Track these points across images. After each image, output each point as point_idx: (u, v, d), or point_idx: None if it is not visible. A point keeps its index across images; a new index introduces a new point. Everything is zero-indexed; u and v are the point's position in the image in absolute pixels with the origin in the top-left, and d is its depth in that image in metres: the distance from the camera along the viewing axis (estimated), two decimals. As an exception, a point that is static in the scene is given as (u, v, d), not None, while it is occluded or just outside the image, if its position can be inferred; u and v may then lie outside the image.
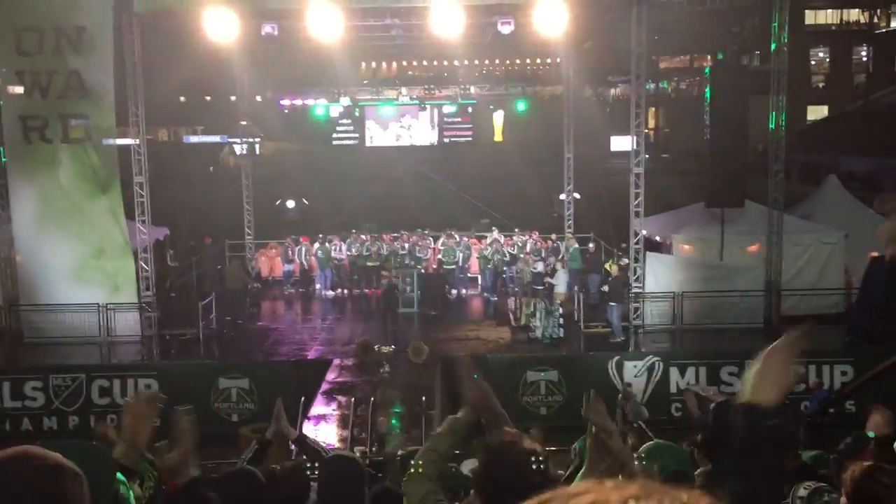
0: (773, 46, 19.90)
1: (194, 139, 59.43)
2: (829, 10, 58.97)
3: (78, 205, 19.76)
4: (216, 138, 56.72)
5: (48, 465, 1.51)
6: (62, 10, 19.06)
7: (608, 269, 21.84)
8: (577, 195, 27.48)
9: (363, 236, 25.87)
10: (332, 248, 25.48)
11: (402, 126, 45.17)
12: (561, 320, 19.95)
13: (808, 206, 23.66)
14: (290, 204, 36.19)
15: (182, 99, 54.86)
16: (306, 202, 37.11)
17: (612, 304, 20.16)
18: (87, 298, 19.91)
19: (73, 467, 1.54)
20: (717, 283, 20.47)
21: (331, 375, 17.63)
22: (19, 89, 19.50)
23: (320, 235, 26.00)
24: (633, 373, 17.07)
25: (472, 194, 33.57)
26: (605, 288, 21.82)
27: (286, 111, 42.91)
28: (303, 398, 14.78)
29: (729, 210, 20.88)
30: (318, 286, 25.65)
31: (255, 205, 28.05)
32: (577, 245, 24.87)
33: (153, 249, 21.00)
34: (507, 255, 24.61)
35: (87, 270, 19.97)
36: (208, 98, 55.45)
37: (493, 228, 26.83)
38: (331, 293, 25.46)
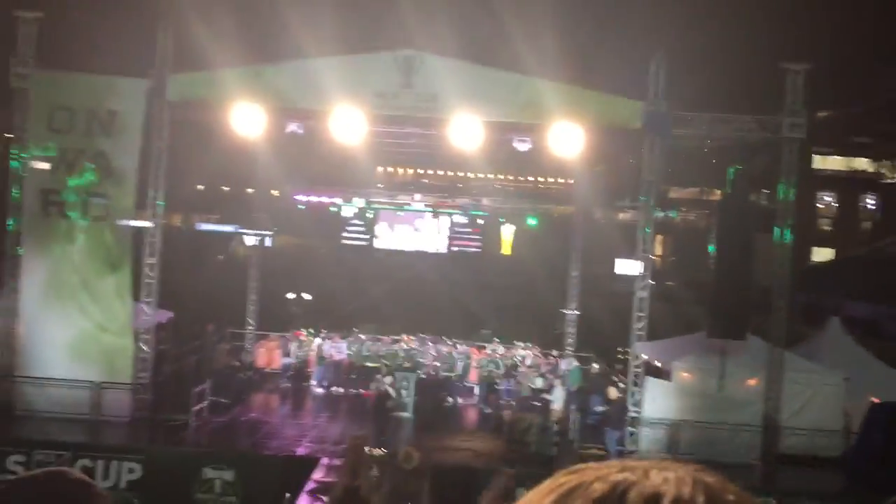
0: (780, 188, 20.38)
1: (208, 227, 60.25)
2: (838, 157, 60.51)
3: (87, 280, 19.94)
4: (229, 228, 57.44)
5: (82, 482, 1.66)
6: (99, 93, 19.78)
7: (608, 393, 21.70)
8: (572, 312, 27.59)
9: (363, 336, 25.89)
10: (332, 346, 25.48)
11: (413, 230, 45.86)
12: (556, 438, 19.69)
13: (810, 347, 23.65)
14: (297, 297, 36.38)
15: (200, 187, 55.96)
16: (307, 297, 37.25)
17: (611, 428, 19.96)
18: (82, 375, 19.81)
19: (103, 490, 1.70)
20: (715, 414, 20.28)
21: (318, 474, 17.32)
22: (45, 165, 19.99)
23: (322, 332, 26.05)
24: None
25: (476, 303, 33.70)
26: (604, 409, 21.62)
27: (301, 207, 43.65)
28: (287, 495, 14.48)
29: (730, 342, 20.89)
30: (313, 382, 25.52)
31: (261, 296, 28.24)
32: (577, 364, 24.82)
33: (154, 332, 21.01)
34: (502, 366, 24.56)
35: (87, 345, 19.94)
36: (226, 188, 56.54)
37: (494, 339, 26.86)
38: (320, 390, 25.31)
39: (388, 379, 21.91)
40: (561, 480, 0.97)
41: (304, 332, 26.16)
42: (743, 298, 20.78)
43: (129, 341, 20.10)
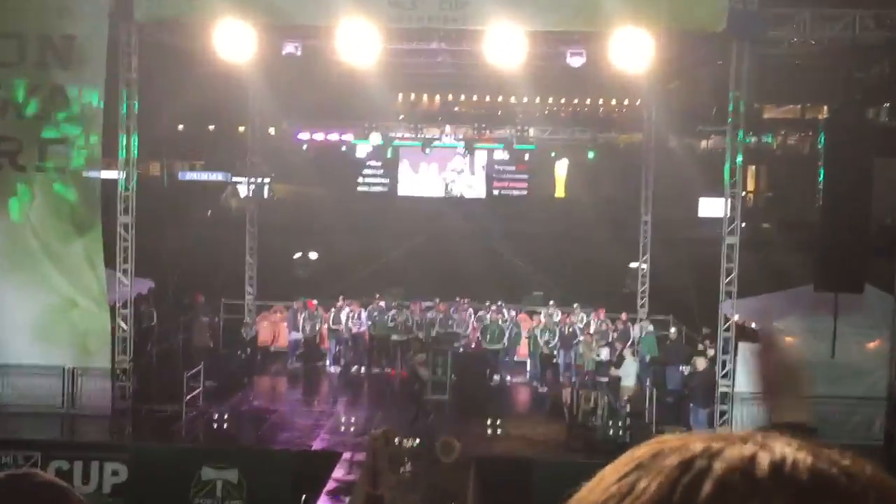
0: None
1: (192, 176, 60.69)
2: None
3: (49, 246, 20.14)
4: (218, 176, 57.87)
5: (53, 486, 1.69)
6: (50, 16, 19.68)
7: (692, 361, 21.71)
8: (645, 266, 27.48)
9: (387, 303, 26.08)
10: (350, 315, 25.71)
11: (444, 173, 45.81)
12: (628, 420, 19.81)
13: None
14: (303, 256, 36.70)
15: (180, 127, 56.21)
16: (314, 257, 37.53)
17: (696, 406, 20.01)
18: (50, 360, 20.19)
19: (78, 495, 1.73)
20: (826, 387, 20.14)
21: (339, 472, 17.64)
22: (-10, 106, 20.10)
23: (337, 300, 26.27)
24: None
25: (525, 259, 33.73)
26: (686, 383, 21.67)
27: (304, 147, 43.73)
28: (303, 497, 14.78)
29: (844, 296, 20.69)
30: (328, 361, 25.87)
31: (260, 257, 28.49)
32: (651, 329, 24.83)
33: (134, 305, 21.29)
34: (559, 335, 24.63)
35: (54, 324, 20.24)
36: (212, 128, 56.77)
37: (550, 302, 26.91)
38: (337, 370, 25.65)
39: (420, 355, 22.14)
40: (639, 451, 1.05)
41: (314, 300, 26.42)
42: (859, 241, 20.52)
43: (104, 318, 20.37)
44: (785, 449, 1.00)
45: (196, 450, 17.98)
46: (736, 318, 20.82)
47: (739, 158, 20.38)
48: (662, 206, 28.95)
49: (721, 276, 20.35)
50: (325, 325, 25.93)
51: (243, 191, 28.65)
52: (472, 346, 25.34)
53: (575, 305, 26.62)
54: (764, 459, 0.98)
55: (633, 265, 29.59)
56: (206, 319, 25.62)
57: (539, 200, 47.90)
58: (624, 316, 25.77)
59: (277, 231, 35.33)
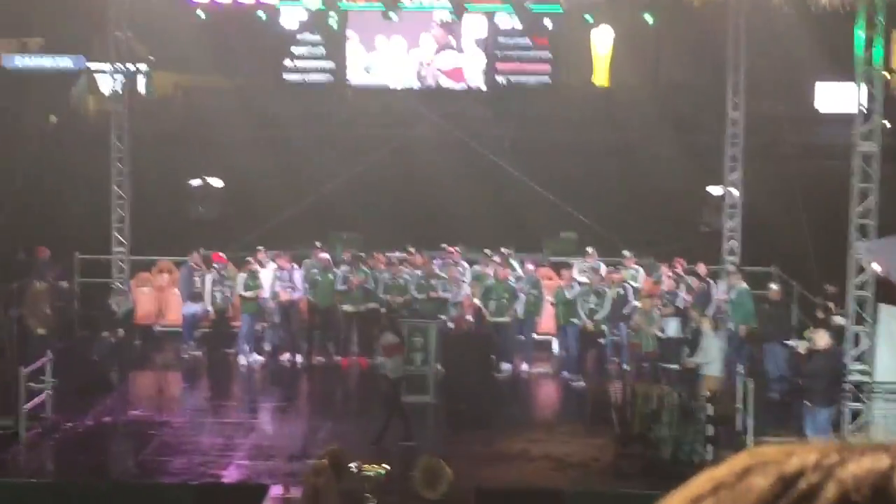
0: None
1: (24, 62, 60.21)
2: None
3: None
4: (66, 62, 57.37)
5: None
6: None
7: (807, 337, 21.79)
8: (734, 191, 27.49)
9: (334, 257, 26.01)
10: (278, 276, 25.69)
11: (416, 50, 45.55)
12: (711, 429, 19.89)
13: None
14: (202, 185, 36.52)
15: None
16: (218, 185, 37.35)
17: (814, 405, 20.12)
18: None
19: None
20: None
21: (265, 517, 17.72)
22: None
23: (256, 251, 26.21)
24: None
25: (547, 184, 33.64)
26: (801, 371, 21.76)
27: (201, 15, 43.35)
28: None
29: None
30: (243, 346, 25.83)
31: (136, 190, 28.32)
32: (745, 287, 24.85)
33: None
34: (604, 299, 24.68)
35: None
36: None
37: (588, 250, 26.91)
38: (258, 358, 25.72)
39: (388, 336, 22.07)
40: (721, 469, 1.14)
41: (219, 253, 26.34)
42: None
43: None
44: None
45: (44, 486, 17.97)
46: (876, 267, 20.83)
47: (881, 19, 20.30)
48: (760, 97, 28.90)
49: (851, 202, 20.33)
50: (237, 293, 25.86)
51: (105, 85, 28.32)
52: (469, 319, 25.35)
53: (625, 254, 26.60)
54: None
55: (715, 190, 29.59)
56: (44, 285, 25.44)
57: (568, 91, 47.75)
58: (702, 269, 25.77)
59: (160, 147, 35.23)
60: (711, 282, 25.53)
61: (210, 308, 25.74)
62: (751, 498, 1.05)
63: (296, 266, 25.94)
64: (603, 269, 26.06)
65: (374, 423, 21.27)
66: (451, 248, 26.88)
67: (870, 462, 1.05)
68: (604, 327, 24.87)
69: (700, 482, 1.12)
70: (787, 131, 36.15)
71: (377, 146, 43.23)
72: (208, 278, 25.81)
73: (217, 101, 50.06)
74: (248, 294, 25.64)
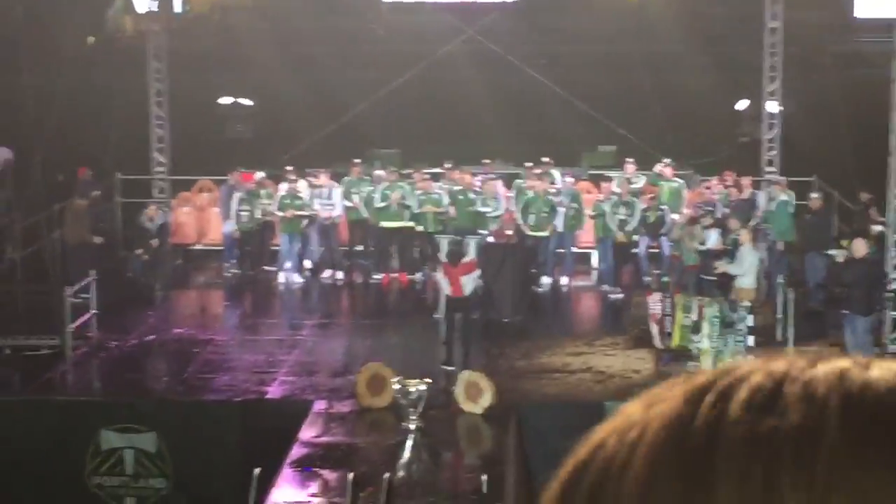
0: None
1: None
2: None
3: None
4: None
5: None
6: None
7: (845, 245, 21.67)
8: (774, 102, 27.25)
9: (376, 173, 25.95)
10: (314, 195, 25.63)
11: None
12: (751, 340, 19.85)
13: None
14: (235, 104, 36.38)
15: None
16: (249, 104, 37.23)
17: (853, 313, 20.03)
18: None
19: None
20: None
21: (309, 432, 17.77)
22: None
23: (288, 170, 26.13)
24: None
25: (584, 97, 33.40)
26: (840, 280, 21.65)
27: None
28: (256, 471, 14.93)
29: None
30: (287, 265, 25.86)
31: (174, 111, 28.28)
32: (786, 198, 24.67)
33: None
34: (642, 211, 24.57)
35: None
36: None
37: (627, 161, 26.76)
38: (298, 278, 25.81)
39: (456, 253, 21.87)
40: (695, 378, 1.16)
41: (256, 172, 26.32)
42: None
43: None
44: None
45: (91, 405, 18.11)
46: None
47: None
48: (797, 6, 28.49)
49: (891, 110, 20.13)
50: (277, 212, 25.81)
51: (142, 4, 28.13)
52: (508, 233, 25.34)
53: (665, 161, 26.40)
54: (820, 372, 1.09)
55: (754, 101, 29.33)
56: (85, 202, 25.48)
57: (602, 3, 47.22)
58: (746, 181, 25.57)
59: (197, 66, 35.04)
60: (753, 191, 25.39)
61: (236, 227, 25.76)
62: (675, 398, 1.09)
63: (336, 183, 25.88)
64: (641, 181, 25.94)
65: (415, 339, 21.36)
66: (489, 163, 26.83)
67: (791, 364, 1.09)
68: (635, 237, 24.82)
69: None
70: (826, 39, 35.72)
71: (412, 63, 43.03)
72: (235, 198, 25.78)
73: (252, 18, 49.72)
74: (284, 213, 25.60)
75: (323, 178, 25.90)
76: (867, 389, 1.07)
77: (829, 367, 1.09)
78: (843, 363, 1.10)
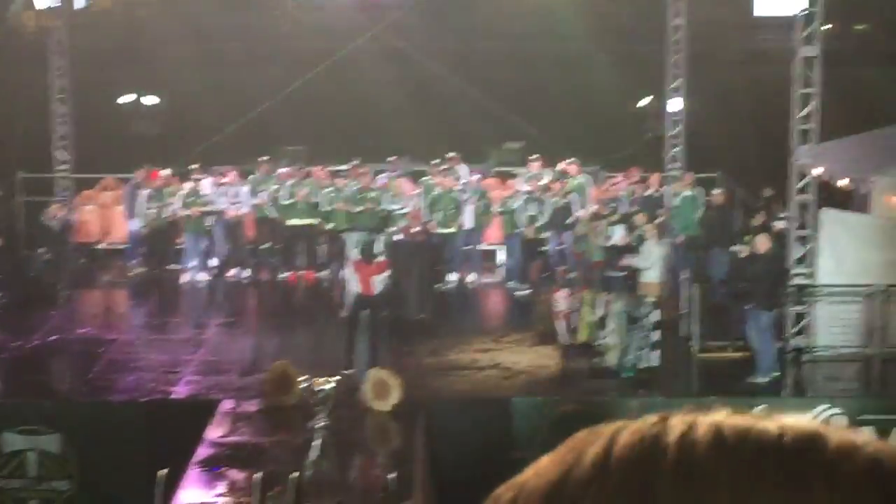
0: None
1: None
2: None
3: None
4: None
5: None
6: None
7: (748, 241, 21.90)
8: (677, 99, 27.47)
9: (282, 170, 25.87)
10: (220, 192, 25.51)
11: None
12: (656, 335, 19.99)
13: None
14: (136, 101, 36.15)
15: None
16: (154, 102, 36.99)
17: (756, 308, 20.24)
18: None
19: None
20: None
21: (215, 431, 17.68)
22: None
23: (193, 168, 25.97)
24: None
25: (491, 94, 33.50)
26: (743, 275, 21.84)
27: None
28: (163, 472, 14.84)
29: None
30: (192, 263, 25.72)
31: (77, 108, 28.00)
32: (691, 194, 24.88)
33: None
34: (549, 208, 24.68)
35: None
36: None
37: (528, 159, 26.85)
38: (204, 277, 25.69)
39: (370, 252, 21.74)
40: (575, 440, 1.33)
41: (162, 170, 26.14)
42: None
43: None
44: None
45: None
46: (818, 171, 20.91)
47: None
48: (700, 3, 28.78)
49: (792, 108, 20.35)
50: (181, 210, 25.63)
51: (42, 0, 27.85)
52: (417, 230, 25.38)
53: (569, 161, 26.55)
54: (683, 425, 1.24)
55: (658, 99, 29.59)
56: None
57: (509, 1, 47.40)
58: (654, 177, 25.76)
59: (102, 64, 34.77)
60: (657, 187, 25.59)
61: (142, 226, 25.61)
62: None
63: (240, 181, 25.78)
64: (546, 178, 26.02)
65: (322, 337, 21.34)
66: (395, 159, 26.82)
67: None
68: (545, 235, 24.93)
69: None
70: (729, 38, 36.20)
71: (319, 59, 42.93)
72: (143, 195, 25.64)
73: (155, 14, 49.42)
74: (187, 212, 25.46)
75: (230, 176, 25.78)
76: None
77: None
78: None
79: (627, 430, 1.24)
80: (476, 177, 26.19)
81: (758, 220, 23.04)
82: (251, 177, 25.92)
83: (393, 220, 25.06)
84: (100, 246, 27.27)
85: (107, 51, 36.97)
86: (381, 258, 21.35)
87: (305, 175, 25.83)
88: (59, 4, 28.16)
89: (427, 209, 25.19)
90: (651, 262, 22.20)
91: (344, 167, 26.43)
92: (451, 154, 26.47)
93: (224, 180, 25.75)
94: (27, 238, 26.65)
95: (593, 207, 24.58)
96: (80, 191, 27.92)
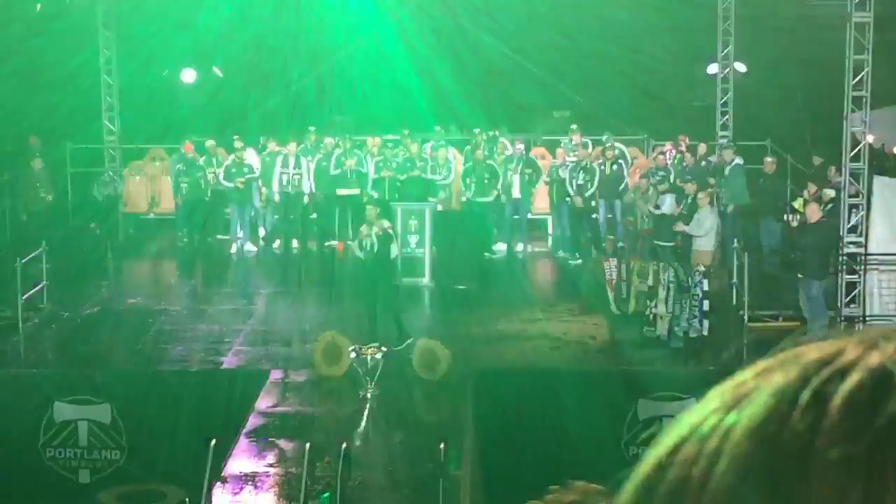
0: None
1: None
2: None
3: None
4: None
5: None
6: None
7: (798, 207, 21.77)
8: (741, 67, 27.28)
9: (329, 140, 25.89)
10: (283, 161, 25.48)
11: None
12: (706, 304, 19.92)
13: None
14: (189, 72, 36.14)
15: None
16: (219, 73, 36.99)
17: (807, 277, 20.14)
18: None
19: None
20: None
21: (265, 401, 17.78)
22: None
23: (236, 138, 25.96)
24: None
25: (538, 63, 33.34)
26: (794, 244, 21.73)
27: None
28: (212, 442, 14.90)
29: None
30: (239, 234, 25.79)
31: (124, 77, 28.07)
32: (740, 162, 24.73)
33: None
34: (597, 176, 24.57)
35: None
36: None
37: (573, 127, 26.76)
38: (252, 248, 25.86)
39: (382, 221, 21.74)
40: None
41: (210, 140, 26.20)
42: None
43: None
44: None
45: (43, 376, 18.01)
46: (870, 139, 20.75)
47: None
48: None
49: (846, 74, 20.15)
50: (223, 181, 25.68)
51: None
52: (463, 199, 25.40)
53: (607, 136, 26.45)
54: None
55: (708, 66, 29.40)
56: (40, 165, 25.29)
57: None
58: (702, 146, 25.63)
59: (150, 35, 34.72)
60: (707, 158, 25.48)
61: (175, 198, 25.73)
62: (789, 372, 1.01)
63: (292, 150, 25.72)
64: (593, 147, 25.95)
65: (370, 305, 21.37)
66: (440, 130, 26.82)
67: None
68: (594, 203, 24.86)
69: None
70: (780, 4, 35.77)
71: (362, 30, 42.91)
72: (176, 168, 25.75)
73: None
74: (231, 183, 25.51)
75: (290, 147, 25.71)
76: None
77: None
78: None
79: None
80: (520, 146, 26.09)
81: (809, 188, 22.87)
82: (300, 146, 25.91)
83: (434, 190, 25.08)
84: (149, 216, 27.37)
85: (155, 21, 36.97)
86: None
87: (355, 144, 25.83)
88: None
89: (461, 179, 25.24)
90: (704, 231, 22.16)
91: (392, 136, 26.44)
92: (490, 132, 26.39)
93: (284, 151, 25.73)
94: (76, 208, 26.83)
95: (642, 176, 24.48)
96: (128, 162, 28.01)
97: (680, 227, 22.40)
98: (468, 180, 25.07)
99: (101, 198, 25.28)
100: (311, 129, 26.48)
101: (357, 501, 14.48)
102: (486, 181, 24.91)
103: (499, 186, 25.04)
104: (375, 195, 24.72)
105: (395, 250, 20.97)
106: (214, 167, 25.80)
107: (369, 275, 20.55)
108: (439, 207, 24.72)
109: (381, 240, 20.22)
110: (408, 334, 19.35)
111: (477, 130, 26.45)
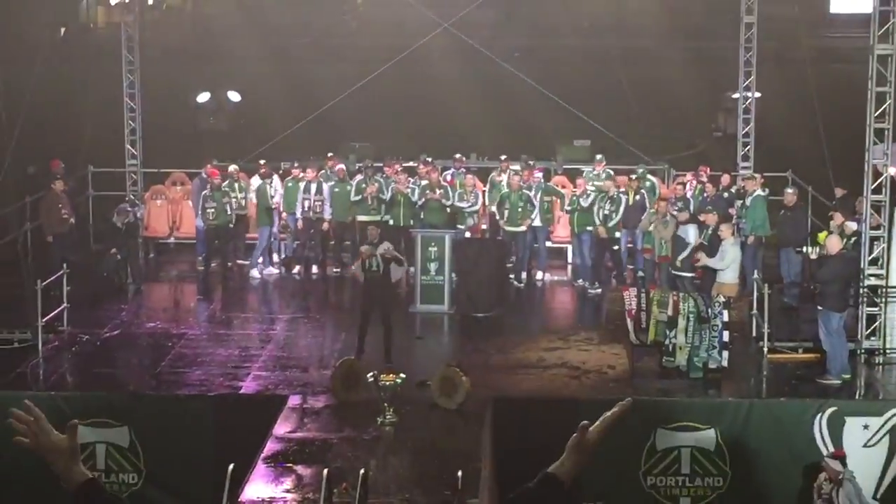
0: None
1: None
2: None
3: None
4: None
5: None
6: None
7: (821, 240, 21.74)
8: (749, 96, 27.29)
9: (350, 166, 25.92)
10: (304, 187, 25.55)
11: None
12: (726, 336, 19.87)
13: None
14: (211, 99, 36.32)
15: None
16: (235, 98, 37.19)
17: (827, 309, 20.09)
18: None
19: None
20: None
21: (283, 427, 17.78)
22: None
23: (262, 163, 26.08)
24: (861, 439, 17.15)
25: (560, 91, 33.42)
26: (814, 276, 21.67)
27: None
28: (230, 467, 14.92)
29: None
30: (260, 259, 25.89)
31: (148, 103, 28.19)
32: (763, 193, 24.72)
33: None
34: (621, 205, 24.56)
35: None
36: None
37: (597, 157, 26.80)
38: (273, 271, 25.89)
39: (384, 243, 21.74)
40: None
41: (233, 166, 26.32)
42: None
43: None
44: None
45: (62, 399, 18.04)
46: (892, 171, 20.73)
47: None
48: (773, 1, 28.59)
49: (868, 106, 20.14)
50: (251, 205, 25.91)
51: (115, -6, 28.07)
52: (483, 227, 25.37)
53: (643, 161, 26.48)
54: None
55: (729, 96, 29.44)
56: (61, 186, 25.37)
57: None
58: (726, 177, 25.63)
59: (170, 58, 34.98)
60: (729, 187, 25.47)
61: (202, 223, 25.79)
62: None
63: (313, 175, 25.79)
64: (619, 177, 26.01)
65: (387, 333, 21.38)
66: (461, 157, 26.84)
67: None
68: (618, 234, 24.87)
69: None
70: (802, 35, 35.89)
71: (387, 56, 43.06)
72: (202, 193, 25.82)
73: (225, 11, 49.78)
74: (252, 208, 25.70)
75: (310, 173, 25.80)
76: None
77: None
78: None
79: None
80: (538, 175, 26.11)
81: (836, 218, 22.83)
82: (321, 172, 26.01)
83: (462, 219, 25.12)
84: (169, 240, 27.49)
85: (177, 46, 37.20)
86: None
87: (376, 171, 25.89)
88: (130, 1, 28.37)
89: (496, 207, 25.20)
90: (728, 263, 22.15)
91: (413, 164, 26.51)
92: (519, 161, 26.46)
93: (306, 177, 25.82)
94: (97, 232, 26.94)
95: (663, 205, 24.48)
96: (149, 185, 28.13)
97: (703, 260, 22.38)
98: (503, 208, 25.02)
99: (122, 225, 25.34)
100: (330, 154, 26.56)
101: (374, 528, 14.49)
102: (519, 209, 24.87)
103: (535, 215, 25.04)
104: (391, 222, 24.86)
105: (398, 273, 21.09)
106: (237, 192, 25.94)
107: (368, 296, 20.67)
108: (468, 234, 24.75)
109: (383, 262, 20.34)
110: (391, 362, 19.39)
111: (503, 157, 26.54)
